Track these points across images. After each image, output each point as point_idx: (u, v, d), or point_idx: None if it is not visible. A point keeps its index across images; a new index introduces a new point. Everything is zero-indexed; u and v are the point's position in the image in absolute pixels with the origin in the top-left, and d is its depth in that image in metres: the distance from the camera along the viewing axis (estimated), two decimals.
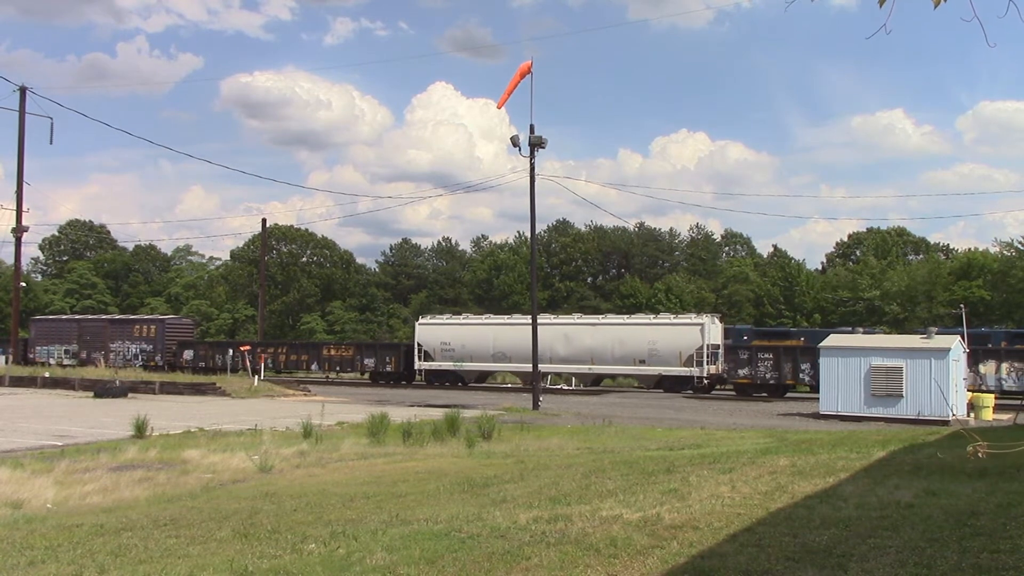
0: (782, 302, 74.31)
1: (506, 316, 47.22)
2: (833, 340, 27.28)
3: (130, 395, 33.06)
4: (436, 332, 43.20)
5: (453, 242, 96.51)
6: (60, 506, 10.82)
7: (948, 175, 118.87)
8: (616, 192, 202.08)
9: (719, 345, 37.95)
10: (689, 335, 37.81)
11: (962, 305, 51.00)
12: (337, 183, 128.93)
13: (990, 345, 37.46)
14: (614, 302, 75.31)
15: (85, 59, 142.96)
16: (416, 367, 43.31)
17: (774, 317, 72.18)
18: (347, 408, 28.28)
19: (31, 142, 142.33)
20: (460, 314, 49.21)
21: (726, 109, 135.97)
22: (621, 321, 41.46)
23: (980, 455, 5.14)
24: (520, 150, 29.91)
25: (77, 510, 10.42)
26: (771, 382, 35.53)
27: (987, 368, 31.38)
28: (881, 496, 9.06)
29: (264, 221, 63.09)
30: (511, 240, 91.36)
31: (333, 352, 46.55)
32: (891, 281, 68.11)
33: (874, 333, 37.32)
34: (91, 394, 33.40)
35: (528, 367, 34.69)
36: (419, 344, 43.22)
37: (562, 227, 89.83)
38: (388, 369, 44.58)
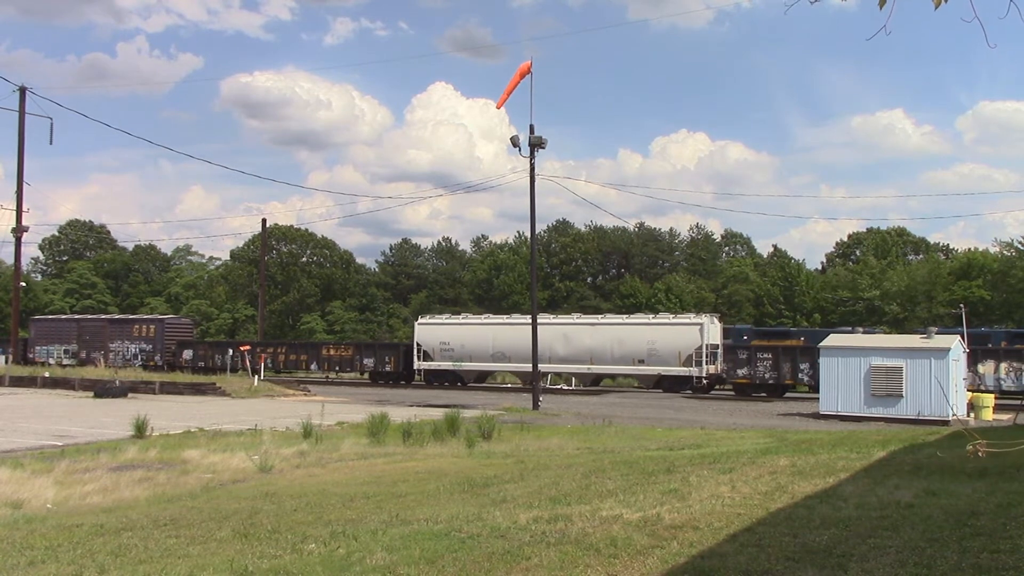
0: (782, 302, 74.31)
1: (505, 316, 47.22)
2: (833, 340, 27.28)
3: (130, 395, 33.06)
4: (435, 332, 43.20)
5: (453, 242, 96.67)
6: (60, 506, 10.82)
7: (948, 175, 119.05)
8: (616, 192, 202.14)
9: (718, 345, 37.97)
10: (688, 335, 37.82)
11: (962, 305, 51.00)
12: (337, 183, 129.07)
13: (990, 345, 37.45)
14: (614, 302, 75.31)
15: (85, 59, 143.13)
16: (415, 367, 43.31)
17: (774, 317, 72.18)
18: (347, 408, 28.27)
19: (31, 142, 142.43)
20: (459, 314, 49.21)
21: (726, 109, 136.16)
22: (620, 321, 41.46)
23: (980, 455, 5.15)
24: (520, 150, 29.94)
25: (77, 510, 10.42)
26: (770, 382, 35.53)
27: (986, 368, 31.38)
28: (881, 496, 9.06)
29: (264, 221, 63.15)
30: (511, 240, 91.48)
31: (332, 352, 46.54)
32: (891, 281, 68.11)
33: (874, 333, 37.30)
34: (91, 394, 33.40)
35: (527, 367, 34.69)
36: (418, 344, 43.22)
37: (562, 227, 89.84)
38: (387, 369, 44.58)
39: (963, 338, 29.09)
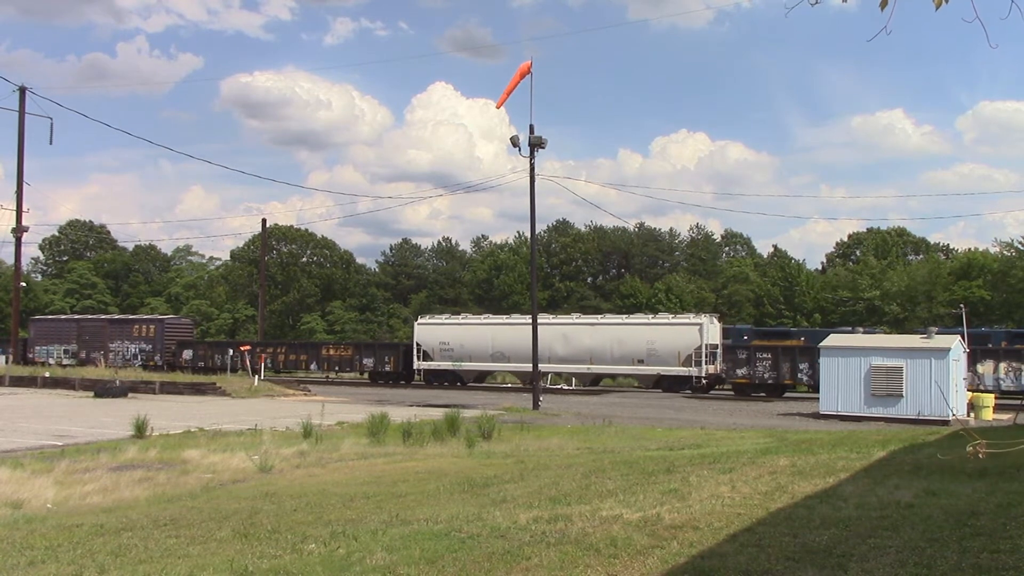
0: (782, 302, 74.31)
1: (505, 316, 47.24)
2: (833, 340, 27.28)
3: (130, 395, 33.07)
4: (435, 332, 43.21)
5: (453, 242, 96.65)
6: (60, 506, 10.82)
7: (948, 175, 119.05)
8: (616, 192, 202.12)
9: (717, 345, 37.98)
10: (687, 335, 37.83)
11: (962, 305, 51.00)
12: (337, 183, 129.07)
13: (990, 345, 37.45)
14: (614, 302, 75.31)
15: (85, 59, 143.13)
16: (415, 367, 43.32)
17: (774, 317, 72.18)
18: (347, 408, 28.28)
19: (31, 142, 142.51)
20: (459, 314, 49.23)
21: (726, 109, 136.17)
22: (620, 321, 41.47)
23: (980, 455, 5.15)
24: (520, 150, 29.95)
25: (77, 510, 10.42)
26: (769, 382, 35.54)
27: (985, 368, 31.39)
28: (881, 496, 9.06)
29: (264, 221, 63.15)
30: (511, 240, 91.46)
31: (332, 352, 46.55)
32: (891, 281, 68.13)
33: (874, 333, 37.31)
34: (91, 394, 33.40)
35: (526, 367, 34.71)
36: (418, 344, 43.23)
37: (562, 227, 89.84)
38: (387, 369, 44.58)
39: (963, 338, 29.09)
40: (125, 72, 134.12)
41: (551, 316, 44.48)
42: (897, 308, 66.65)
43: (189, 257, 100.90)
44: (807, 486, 9.79)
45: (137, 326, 50.82)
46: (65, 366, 45.65)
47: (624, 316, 44.83)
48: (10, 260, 60.01)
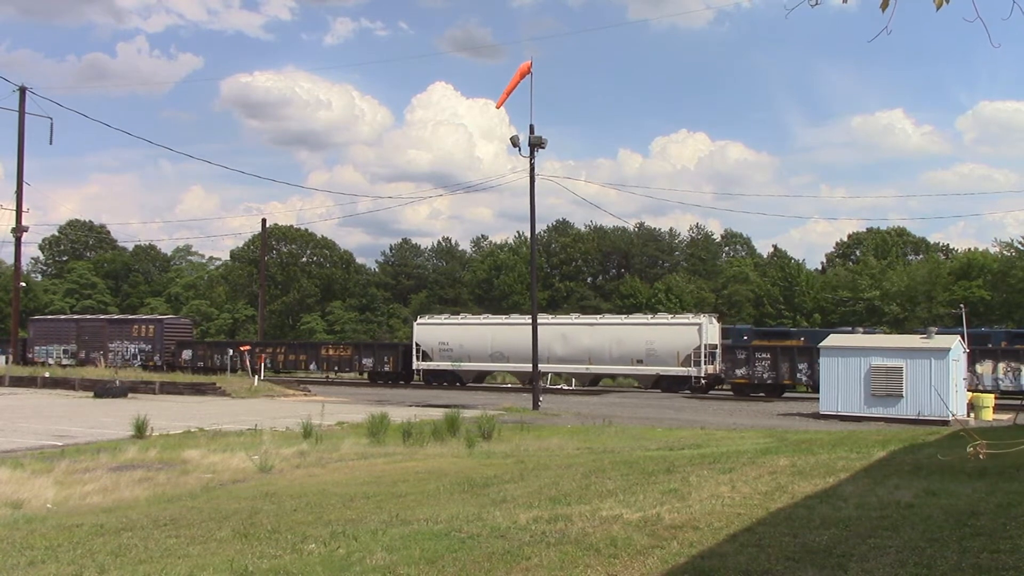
0: (782, 302, 74.32)
1: (504, 316, 47.24)
2: (833, 340, 27.28)
3: (130, 395, 33.06)
4: (434, 332, 43.21)
5: (453, 242, 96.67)
6: (60, 506, 10.82)
7: (948, 175, 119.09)
8: (616, 192, 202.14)
9: (716, 345, 37.98)
10: (686, 335, 37.83)
11: (962, 305, 51.03)
12: (337, 183, 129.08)
13: (990, 345, 37.47)
14: (614, 302, 75.32)
15: (85, 59, 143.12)
16: (414, 367, 43.32)
17: (774, 317, 72.19)
18: (347, 408, 28.27)
19: (31, 142, 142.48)
20: (458, 314, 49.22)
21: (726, 109, 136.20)
22: (619, 321, 41.47)
23: (980, 455, 5.14)
24: (520, 150, 29.95)
25: (77, 510, 10.42)
26: (768, 382, 35.54)
27: (983, 368, 31.39)
28: (881, 496, 9.06)
29: (264, 221, 63.11)
30: (511, 240, 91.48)
31: (331, 352, 46.54)
32: (891, 281, 68.15)
33: (874, 333, 37.32)
34: (91, 394, 33.39)
35: (525, 367, 34.70)
36: (417, 344, 43.23)
37: (562, 227, 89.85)
38: (386, 369, 44.57)
39: (963, 338, 29.10)
40: (125, 72, 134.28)
41: (550, 316, 44.48)
42: (897, 308, 66.66)
43: (189, 257, 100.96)
44: (807, 486, 9.79)
45: (136, 326, 50.81)
46: (64, 366, 45.64)
47: (623, 316, 44.83)
48: (10, 260, 60.04)
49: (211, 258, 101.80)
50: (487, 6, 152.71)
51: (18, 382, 38.65)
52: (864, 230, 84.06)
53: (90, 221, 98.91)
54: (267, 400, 32.70)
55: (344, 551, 6.96)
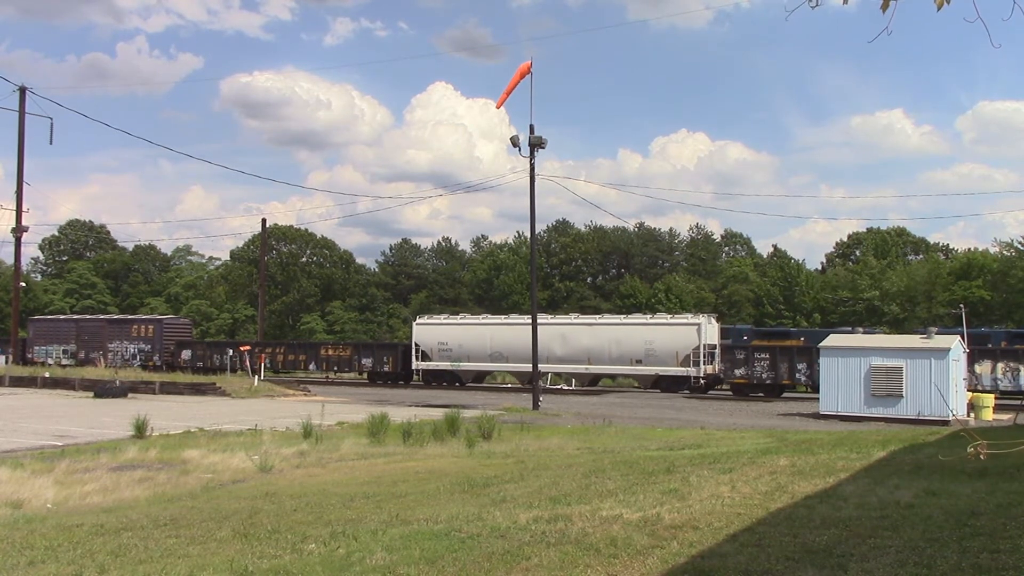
0: (782, 302, 74.32)
1: (503, 316, 47.24)
2: (833, 340, 27.27)
3: (130, 395, 33.06)
4: (433, 332, 43.21)
5: (453, 242, 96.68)
6: (60, 506, 10.82)
7: (948, 175, 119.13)
8: (616, 192, 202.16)
9: (716, 345, 37.99)
10: (686, 335, 37.83)
11: (962, 305, 51.03)
12: (337, 183, 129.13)
13: (990, 345, 37.47)
14: (614, 302, 75.32)
15: (85, 59, 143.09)
16: (414, 367, 43.31)
17: (774, 317, 72.19)
18: (347, 408, 28.28)
19: (31, 142, 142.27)
20: (458, 314, 49.21)
21: (726, 109, 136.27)
22: (618, 321, 41.47)
23: (981, 456, 5.14)
24: (520, 150, 29.95)
25: (77, 510, 10.42)
26: (767, 382, 35.54)
27: (983, 368, 31.39)
28: (881, 496, 9.06)
29: (264, 221, 63.06)
30: (511, 240, 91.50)
31: (331, 352, 46.54)
32: (891, 281, 68.15)
33: (874, 333, 37.31)
34: (91, 394, 33.40)
35: (525, 367, 34.70)
36: (416, 344, 43.22)
37: (562, 227, 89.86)
38: (386, 369, 44.56)
39: (963, 338, 29.10)
40: (125, 72, 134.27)
41: (549, 316, 44.48)
42: (897, 308, 66.67)
43: (189, 257, 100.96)
44: (807, 486, 9.79)
45: (136, 326, 50.79)
46: (64, 366, 45.63)
47: (622, 316, 44.83)
48: (10, 260, 60.04)
49: (211, 258, 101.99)
50: (487, 6, 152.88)
51: (18, 382, 38.66)
52: (864, 230, 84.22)
53: (90, 221, 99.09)
54: (267, 400, 32.69)
55: (344, 551, 6.96)
